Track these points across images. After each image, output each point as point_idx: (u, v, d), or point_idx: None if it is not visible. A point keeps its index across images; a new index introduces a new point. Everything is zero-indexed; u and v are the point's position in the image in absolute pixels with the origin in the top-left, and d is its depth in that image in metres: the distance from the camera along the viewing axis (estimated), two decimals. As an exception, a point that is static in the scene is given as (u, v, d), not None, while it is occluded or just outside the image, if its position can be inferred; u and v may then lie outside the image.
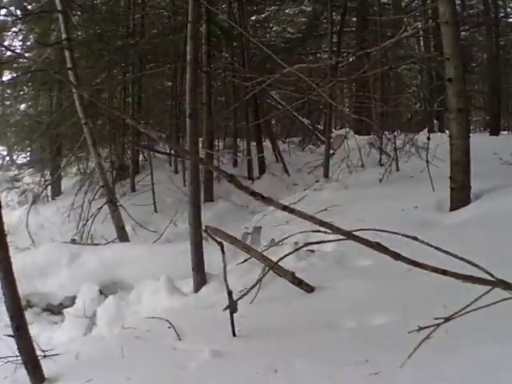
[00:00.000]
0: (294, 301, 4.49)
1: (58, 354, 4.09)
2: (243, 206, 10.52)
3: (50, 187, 13.02)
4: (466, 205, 6.20)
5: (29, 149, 14.62)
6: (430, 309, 2.92)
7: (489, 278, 1.73)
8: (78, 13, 11.38)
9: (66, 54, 8.55)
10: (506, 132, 18.45)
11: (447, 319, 1.75)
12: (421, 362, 2.19)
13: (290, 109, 13.44)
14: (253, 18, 17.14)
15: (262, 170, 13.21)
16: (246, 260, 5.53)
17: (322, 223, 2.04)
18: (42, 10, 9.96)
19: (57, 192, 13.61)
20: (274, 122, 17.75)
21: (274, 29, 19.08)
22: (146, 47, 12.37)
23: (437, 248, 1.93)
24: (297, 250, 4.32)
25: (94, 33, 11.26)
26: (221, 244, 4.54)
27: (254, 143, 13.55)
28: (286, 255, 4.22)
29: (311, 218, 2.09)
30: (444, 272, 1.78)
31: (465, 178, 6.25)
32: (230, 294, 3.99)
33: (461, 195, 6.26)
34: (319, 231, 2.13)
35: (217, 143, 14.19)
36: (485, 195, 6.31)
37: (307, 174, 12.07)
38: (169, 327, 4.22)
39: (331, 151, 11.28)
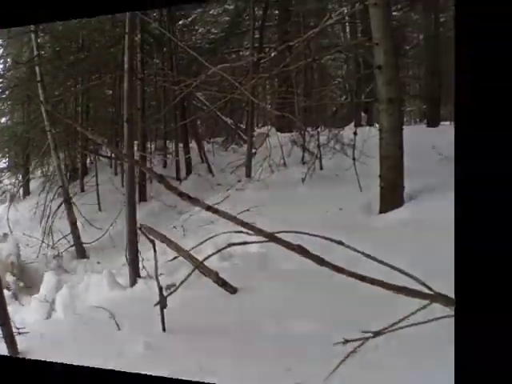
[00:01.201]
0: (219, 301, 4.62)
1: (27, 333, 4.59)
2: (172, 206, 10.53)
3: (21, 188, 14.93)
4: (399, 206, 5.72)
5: (7, 155, 16.76)
6: (356, 319, 2.87)
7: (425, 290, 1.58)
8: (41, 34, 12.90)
9: (37, 69, 9.80)
10: (447, 122, 14.56)
11: (376, 333, 1.61)
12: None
13: (214, 109, 13.37)
14: (180, 22, 17.06)
15: (188, 171, 13.29)
16: (174, 258, 5.61)
17: (244, 224, 2.01)
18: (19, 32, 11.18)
19: (26, 192, 15.21)
20: (199, 122, 17.64)
21: (200, 31, 18.97)
22: (91, 60, 13.68)
23: (363, 253, 1.82)
24: (220, 250, 4.25)
25: (53, 51, 13.03)
26: (153, 242, 4.93)
27: (181, 144, 13.71)
28: (209, 255, 4.17)
29: (234, 219, 2.15)
30: (372, 281, 1.65)
31: (397, 175, 5.75)
32: (160, 290, 4.22)
33: (392, 195, 5.77)
34: (242, 232, 2.16)
35: (149, 145, 14.56)
36: (420, 196, 5.85)
37: (230, 173, 11.94)
38: (110, 317, 4.61)
39: (253, 150, 11.16)
